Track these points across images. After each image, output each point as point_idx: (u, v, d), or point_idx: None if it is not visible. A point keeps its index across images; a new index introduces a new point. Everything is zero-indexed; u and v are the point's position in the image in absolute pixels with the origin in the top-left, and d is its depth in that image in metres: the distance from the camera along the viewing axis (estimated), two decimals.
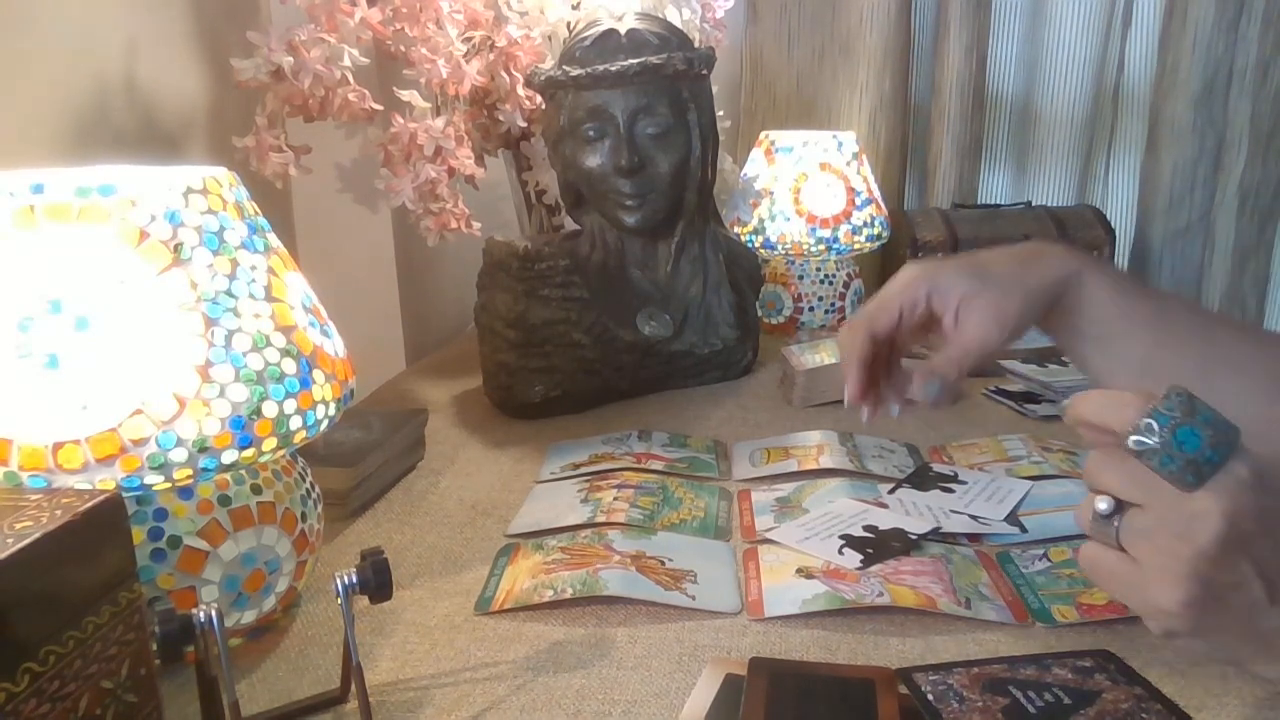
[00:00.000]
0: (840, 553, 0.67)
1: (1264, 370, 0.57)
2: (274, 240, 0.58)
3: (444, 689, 0.54)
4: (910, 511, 0.73)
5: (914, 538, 0.69)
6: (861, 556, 0.66)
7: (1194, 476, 0.39)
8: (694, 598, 0.62)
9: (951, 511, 0.73)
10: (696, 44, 1.12)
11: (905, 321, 0.62)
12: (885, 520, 0.72)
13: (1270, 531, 0.39)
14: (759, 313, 1.21)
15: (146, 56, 0.91)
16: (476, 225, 1.11)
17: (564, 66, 1.00)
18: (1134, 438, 0.40)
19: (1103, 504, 0.42)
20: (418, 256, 1.29)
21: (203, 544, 0.54)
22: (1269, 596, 0.39)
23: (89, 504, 0.41)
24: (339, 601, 0.49)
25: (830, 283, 1.37)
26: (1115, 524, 0.41)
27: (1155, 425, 0.39)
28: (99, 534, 0.42)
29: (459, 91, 1.04)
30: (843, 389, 0.62)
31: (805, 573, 0.65)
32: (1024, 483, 0.78)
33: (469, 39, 1.06)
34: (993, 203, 1.69)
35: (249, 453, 0.52)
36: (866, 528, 0.70)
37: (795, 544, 0.69)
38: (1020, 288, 0.60)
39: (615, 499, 0.76)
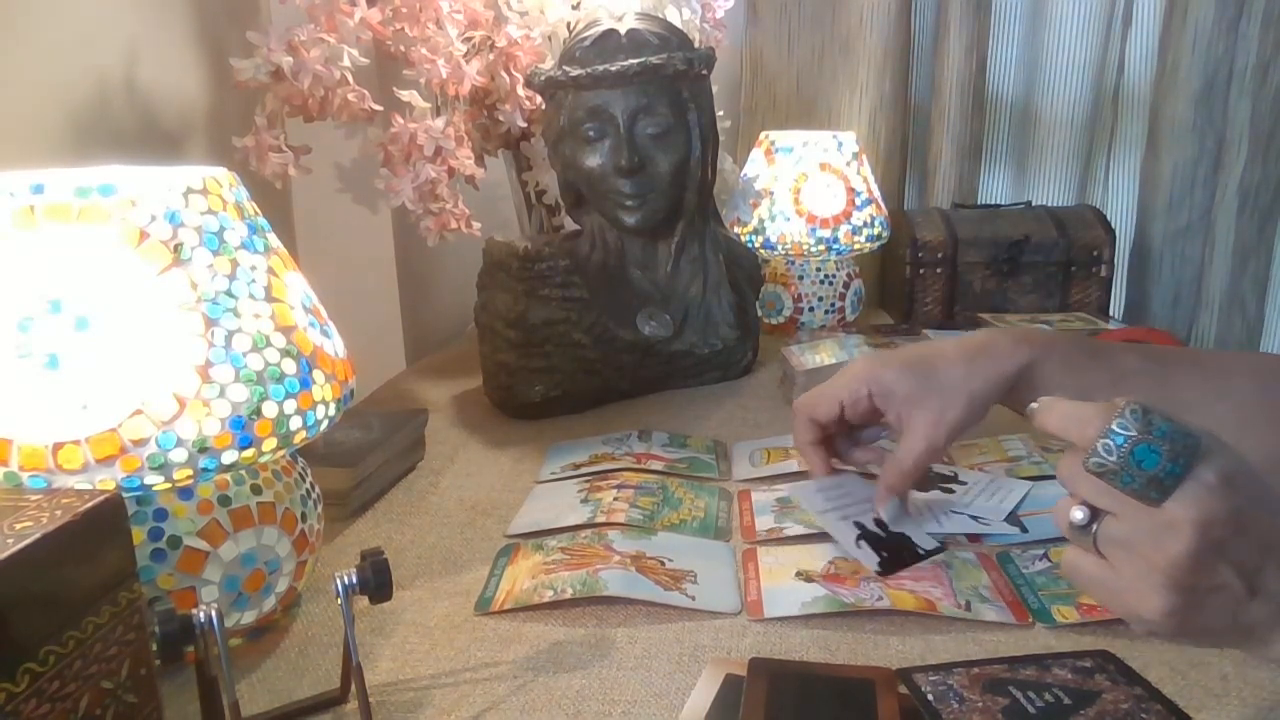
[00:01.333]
0: (858, 545, 0.66)
1: (1227, 408, 0.58)
2: (274, 240, 0.58)
3: (444, 689, 0.54)
4: (910, 511, 0.73)
5: (922, 553, 0.67)
6: (879, 559, 0.65)
7: (1157, 492, 0.39)
8: (694, 598, 0.62)
9: (951, 511, 0.73)
10: (696, 44, 1.12)
11: (848, 411, 0.66)
12: (889, 518, 0.71)
13: (1244, 530, 0.39)
14: (759, 313, 1.21)
15: (146, 56, 0.91)
16: (476, 225, 1.11)
17: (564, 66, 1.00)
18: (1092, 459, 0.40)
19: (1078, 513, 0.42)
20: (418, 256, 1.29)
21: (203, 544, 0.54)
22: (1249, 591, 0.39)
23: (89, 504, 0.41)
24: (339, 601, 0.49)
25: (830, 283, 1.37)
26: (1092, 530, 0.41)
27: (1112, 445, 0.39)
28: (99, 534, 0.42)
29: (459, 91, 1.04)
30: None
31: (805, 575, 0.64)
32: (1024, 483, 0.78)
33: (469, 39, 1.06)
34: (993, 203, 1.69)
35: (249, 453, 0.52)
36: (877, 522, 0.69)
37: (816, 512, 0.69)
38: (964, 394, 0.62)
39: (615, 499, 0.76)
